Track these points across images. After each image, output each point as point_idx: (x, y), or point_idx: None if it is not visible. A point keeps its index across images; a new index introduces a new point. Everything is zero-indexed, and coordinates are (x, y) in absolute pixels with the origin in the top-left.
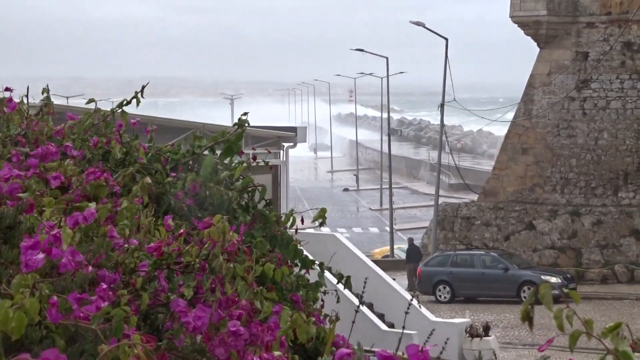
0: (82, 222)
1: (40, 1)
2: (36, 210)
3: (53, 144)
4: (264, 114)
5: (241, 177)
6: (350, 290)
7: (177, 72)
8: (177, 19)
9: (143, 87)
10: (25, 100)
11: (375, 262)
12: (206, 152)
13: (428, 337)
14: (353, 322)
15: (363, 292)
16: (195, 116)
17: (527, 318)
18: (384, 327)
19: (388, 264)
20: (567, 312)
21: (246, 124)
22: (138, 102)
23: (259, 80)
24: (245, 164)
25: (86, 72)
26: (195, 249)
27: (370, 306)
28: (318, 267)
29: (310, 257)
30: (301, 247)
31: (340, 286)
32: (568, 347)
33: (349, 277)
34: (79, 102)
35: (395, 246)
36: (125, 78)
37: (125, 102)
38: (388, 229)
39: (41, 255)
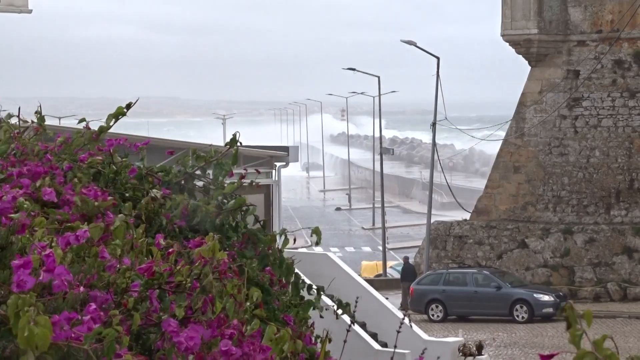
0: (73, 243)
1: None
2: (28, 230)
3: (41, 164)
4: (256, 134)
5: (234, 196)
6: (350, 315)
7: (168, 92)
8: (162, 40)
9: (130, 104)
10: (13, 120)
11: (368, 281)
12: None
13: (422, 354)
14: (345, 341)
15: (354, 311)
16: (187, 136)
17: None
18: (377, 346)
19: (381, 283)
20: (578, 332)
21: (238, 143)
22: (117, 119)
23: (251, 100)
24: (236, 184)
25: (77, 93)
26: (186, 269)
27: (363, 325)
28: (315, 292)
29: (305, 280)
30: (295, 268)
31: (329, 302)
32: None
33: (348, 304)
34: (71, 123)
35: (388, 264)
36: (117, 98)
37: (114, 115)
38: (381, 248)
39: (32, 277)
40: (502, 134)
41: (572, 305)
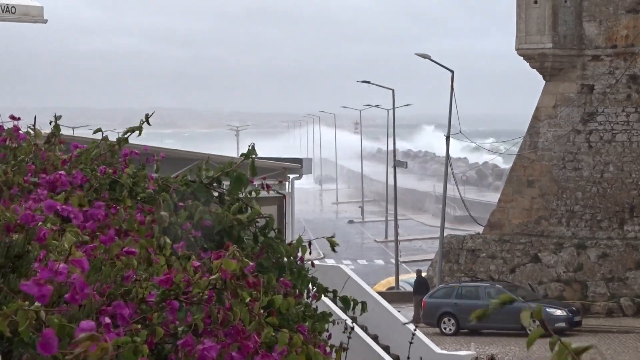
0: (90, 253)
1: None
2: (48, 240)
3: (64, 173)
4: (270, 146)
5: (249, 207)
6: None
7: (180, 104)
8: (168, 52)
9: (147, 116)
10: (31, 130)
11: (381, 294)
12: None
13: None
14: (347, 348)
15: (356, 316)
16: (200, 147)
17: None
18: (388, 358)
19: (393, 296)
20: (551, 339)
21: (254, 155)
22: (140, 132)
23: (264, 111)
24: (254, 194)
25: (91, 103)
26: (204, 280)
27: (375, 338)
28: (331, 294)
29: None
30: (312, 276)
31: (348, 320)
32: None
33: (364, 303)
34: (85, 133)
35: (401, 277)
36: (130, 109)
37: (130, 131)
38: (393, 261)
39: (46, 290)
40: (516, 148)
41: (527, 309)
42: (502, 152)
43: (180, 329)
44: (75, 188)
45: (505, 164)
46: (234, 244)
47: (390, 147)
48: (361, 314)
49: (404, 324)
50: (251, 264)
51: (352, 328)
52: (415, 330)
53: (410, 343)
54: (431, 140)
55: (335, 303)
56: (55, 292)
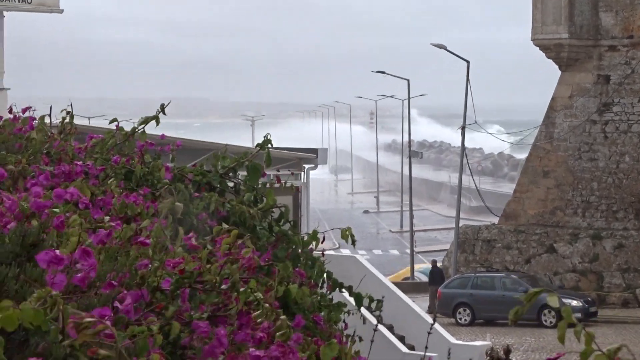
0: (105, 239)
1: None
2: (63, 227)
3: (79, 163)
4: (285, 136)
5: (264, 197)
6: (380, 311)
7: (195, 94)
8: (179, 42)
9: (163, 106)
10: (46, 120)
11: (396, 284)
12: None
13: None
14: (372, 340)
15: (380, 312)
16: (215, 137)
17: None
18: (404, 349)
19: (409, 286)
20: (576, 327)
21: (269, 145)
22: (157, 122)
23: (279, 101)
24: (268, 185)
25: (106, 93)
26: (215, 267)
27: (390, 328)
28: (346, 291)
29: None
30: (326, 268)
31: (364, 309)
32: None
33: (380, 300)
34: (101, 123)
35: (416, 267)
36: (146, 99)
37: (145, 121)
38: (408, 251)
39: (63, 274)
40: (533, 138)
41: (568, 308)
42: (511, 142)
43: (195, 315)
44: (90, 177)
45: (520, 155)
46: (248, 234)
47: (405, 138)
48: (375, 311)
49: (432, 325)
50: (251, 250)
51: (364, 320)
52: (434, 322)
53: (429, 333)
54: (447, 130)
55: (352, 295)
56: (70, 282)
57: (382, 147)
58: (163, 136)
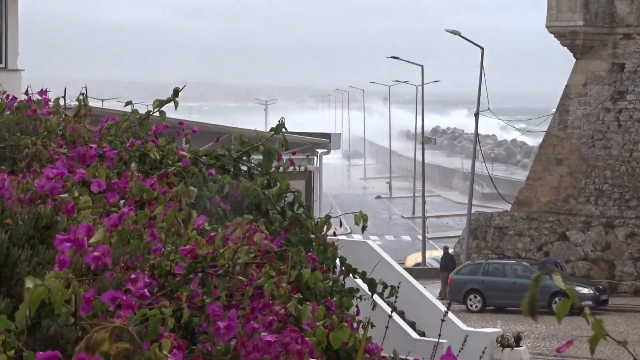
0: (117, 222)
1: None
2: (75, 211)
3: (93, 145)
4: (298, 120)
5: (277, 181)
6: (391, 304)
7: (208, 77)
8: (192, 25)
9: (177, 90)
10: (61, 102)
11: (407, 270)
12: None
13: (461, 347)
14: (387, 327)
15: (396, 299)
16: (229, 121)
17: (531, 310)
18: (415, 335)
19: (420, 272)
20: (586, 312)
21: (283, 129)
22: (176, 105)
23: (293, 86)
24: (282, 169)
25: (120, 76)
26: (229, 251)
27: (401, 314)
28: (359, 277)
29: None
30: (342, 255)
31: (376, 296)
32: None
33: (393, 287)
34: (115, 105)
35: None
36: (160, 82)
37: (160, 104)
38: (420, 237)
39: (69, 248)
40: (546, 126)
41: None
42: (531, 129)
43: (207, 300)
44: (105, 160)
45: (534, 142)
46: (262, 219)
47: (419, 123)
48: (389, 297)
49: (445, 314)
50: (264, 236)
51: (374, 305)
52: (448, 309)
53: (442, 321)
54: (460, 117)
55: (366, 281)
56: (83, 264)
57: (396, 134)
58: (182, 122)
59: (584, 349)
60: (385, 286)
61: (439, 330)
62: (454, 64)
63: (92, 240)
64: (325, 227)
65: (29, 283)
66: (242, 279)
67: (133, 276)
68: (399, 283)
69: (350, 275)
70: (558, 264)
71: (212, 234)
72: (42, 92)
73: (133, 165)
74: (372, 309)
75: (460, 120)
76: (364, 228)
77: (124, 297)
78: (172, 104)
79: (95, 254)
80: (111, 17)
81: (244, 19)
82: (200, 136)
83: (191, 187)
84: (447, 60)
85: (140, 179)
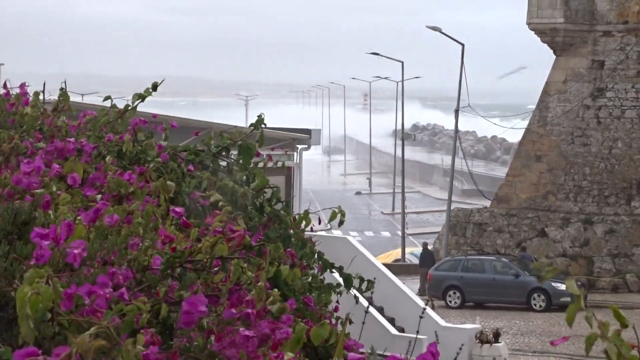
0: (94, 217)
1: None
2: (52, 207)
3: (71, 140)
4: (278, 116)
5: (256, 177)
6: (372, 292)
7: (189, 72)
8: (172, 20)
9: (156, 84)
10: (40, 96)
11: (387, 266)
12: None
13: (436, 343)
14: (363, 322)
15: (372, 294)
16: (209, 116)
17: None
18: (394, 331)
19: (399, 268)
20: (586, 313)
21: (263, 125)
22: (144, 99)
23: (273, 81)
24: (261, 165)
25: (100, 70)
26: (207, 246)
27: (380, 310)
28: (337, 272)
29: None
30: (317, 249)
31: (353, 290)
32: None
33: (370, 281)
34: (94, 100)
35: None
36: (140, 76)
37: (138, 98)
38: (400, 233)
39: (48, 247)
40: (526, 122)
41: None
42: (511, 127)
43: (185, 295)
44: (83, 154)
45: (513, 138)
46: (240, 212)
47: (399, 120)
48: (366, 291)
49: (423, 310)
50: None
51: (357, 300)
52: (427, 305)
53: (421, 317)
54: (439, 113)
55: (343, 276)
56: (61, 260)
57: (377, 130)
58: (155, 115)
59: (564, 345)
60: (362, 280)
61: (417, 326)
62: (434, 60)
63: (70, 238)
64: (304, 222)
65: (23, 292)
66: (222, 273)
67: (113, 270)
68: (374, 278)
69: (329, 270)
70: (535, 259)
71: (188, 222)
72: (21, 86)
73: (108, 158)
74: (356, 303)
75: (440, 116)
76: (341, 222)
77: (101, 292)
78: (150, 97)
79: (75, 251)
80: (91, 11)
81: (223, 14)
82: (180, 131)
83: (169, 182)
84: (427, 57)
85: (118, 173)
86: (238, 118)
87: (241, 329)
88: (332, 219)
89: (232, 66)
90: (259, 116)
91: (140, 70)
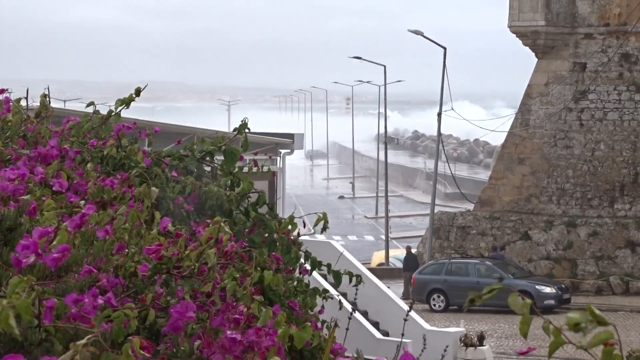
0: (80, 222)
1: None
2: (38, 212)
3: (54, 146)
4: (261, 121)
5: (240, 182)
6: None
7: (172, 77)
8: (151, 25)
9: (139, 90)
10: (22, 102)
11: (371, 270)
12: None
13: (423, 347)
14: (347, 329)
15: (355, 298)
16: (191, 121)
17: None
18: (378, 335)
19: (383, 272)
20: (543, 323)
21: (246, 130)
22: (128, 105)
23: (256, 86)
24: (246, 169)
25: (82, 76)
26: (194, 253)
27: (364, 314)
28: (325, 270)
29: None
30: (302, 252)
31: (334, 291)
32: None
33: (359, 276)
34: (77, 106)
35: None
36: (123, 82)
37: (121, 103)
38: (383, 237)
39: (32, 257)
40: (509, 125)
41: (515, 293)
42: (494, 130)
43: (172, 302)
44: (66, 160)
45: (496, 141)
46: (225, 217)
47: (382, 123)
48: (356, 286)
49: (407, 312)
50: (230, 235)
51: (341, 304)
52: (410, 308)
53: (405, 320)
54: (422, 117)
55: (326, 278)
56: (47, 268)
57: (365, 136)
58: (134, 123)
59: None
60: (351, 275)
61: (401, 329)
62: (416, 64)
63: (54, 243)
64: (290, 227)
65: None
66: (210, 281)
67: (104, 280)
68: (358, 275)
69: (316, 271)
70: (504, 258)
71: (178, 232)
72: (2, 91)
73: (89, 165)
74: (340, 309)
75: (422, 120)
76: (324, 228)
77: (87, 300)
78: (133, 103)
79: (55, 255)
80: (70, 17)
81: (203, 18)
82: (162, 137)
83: (153, 188)
84: (409, 60)
85: (100, 179)
86: (220, 123)
87: (228, 332)
88: (316, 224)
89: (212, 70)
90: (243, 121)
91: (123, 76)
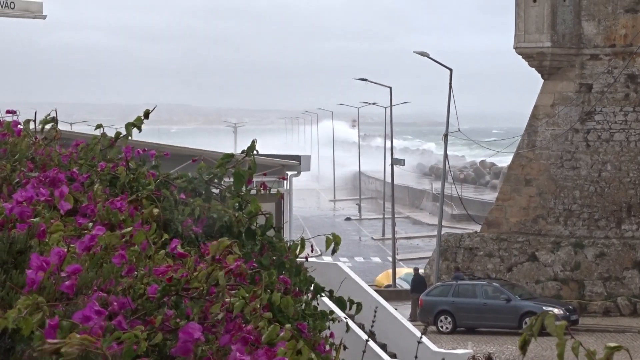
0: (89, 244)
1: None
2: (48, 235)
3: (61, 170)
4: (267, 143)
5: (248, 204)
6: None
7: (178, 100)
8: (152, 48)
9: (148, 112)
10: (31, 125)
11: (378, 291)
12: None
13: None
14: (364, 351)
15: (373, 322)
16: (198, 144)
17: (523, 347)
18: (386, 357)
19: (390, 293)
20: (573, 343)
21: (254, 151)
22: (140, 129)
23: (261, 108)
24: (255, 192)
25: (88, 99)
26: (202, 274)
27: (372, 336)
28: (327, 295)
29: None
30: (311, 275)
31: (341, 314)
32: None
33: (359, 303)
34: (83, 128)
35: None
36: (129, 104)
37: (131, 125)
38: (390, 258)
39: (40, 275)
40: (515, 146)
41: (552, 315)
42: (500, 151)
43: (181, 323)
44: (75, 182)
45: (502, 163)
46: (233, 238)
47: (388, 145)
48: (356, 314)
49: (419, 340)
50: (237, 256)
51: (348, 327)
52: (423, 334)
53: (419, 342)
54: (429, 138)
55: (333, 299)
56: (56, 289)
57: (365, 153)
58: (144, 150)
59: None
60: (352, 302)
61: (409, 352)
62: (422, 85)
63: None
64: (298, 249)
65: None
66: (219, 302)
67: (115, 304)
68: (358, 302)
69: (320, 296)
70: (464, 278)
71: (184, 252)
72: (10, 112)
73: (96, 186)
74: (347, 331)
75: (429, 141)
76: (334, 251)
77: (94, 317)
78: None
79: (67, 283)
80: (76, 41)
81: (211, 42)
82: (170, 159)
83: (154, 209)
84: (415, 81)
85: (109, 202)
86: (227, 145)
87: (238, 354)
88: (328, 245)
89: (214, 93)
90: (252, 142)
91: (129, 99)
